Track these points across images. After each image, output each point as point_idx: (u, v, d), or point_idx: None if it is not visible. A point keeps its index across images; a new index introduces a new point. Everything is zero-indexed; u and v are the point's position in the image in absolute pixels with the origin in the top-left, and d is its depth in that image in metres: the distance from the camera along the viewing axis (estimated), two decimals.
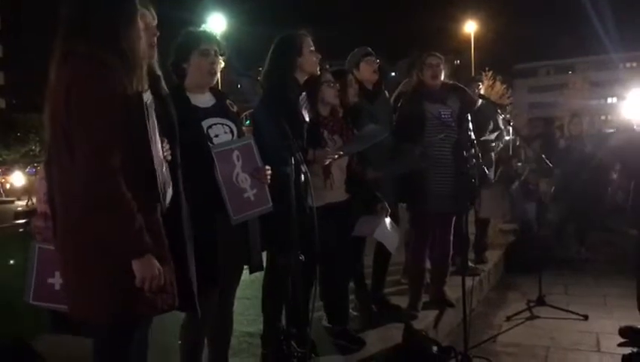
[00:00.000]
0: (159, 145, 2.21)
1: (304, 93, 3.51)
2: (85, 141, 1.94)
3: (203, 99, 2.96)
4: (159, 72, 2.52)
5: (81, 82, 1.96)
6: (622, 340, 4.30)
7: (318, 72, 3.54)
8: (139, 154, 2.06)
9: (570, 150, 7.44)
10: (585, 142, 7.57)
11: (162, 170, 2.21)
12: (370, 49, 4.51)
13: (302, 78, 3.47)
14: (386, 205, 3.98)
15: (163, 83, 2.55)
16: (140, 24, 2.17)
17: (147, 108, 2.09)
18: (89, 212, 1.96)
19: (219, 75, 3.09)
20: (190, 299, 2.50)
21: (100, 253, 2.00)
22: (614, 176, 10.06)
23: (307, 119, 3.49)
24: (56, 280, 2.44)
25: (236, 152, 2.83)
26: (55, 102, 2.00)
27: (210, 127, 2.88)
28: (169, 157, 2.38)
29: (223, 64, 3.03)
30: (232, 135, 2.95)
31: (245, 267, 3.10)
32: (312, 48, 3.48)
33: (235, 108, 3.07)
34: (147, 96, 2.13)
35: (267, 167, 2.92)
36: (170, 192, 2.30)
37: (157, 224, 2.16)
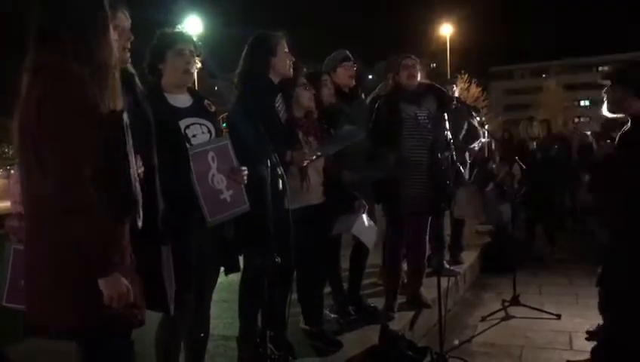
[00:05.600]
0: (133, 162, 2.20)
1: (280, 95, 3.51)
2: (56, 153, 1.92)
3: (181, 99, 2.95)
4: (133, 71, 2.50)
5: (54, 94, 1.93)
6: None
7: (291, 74, 3.53)
8: (113, 169, 2.03)
9: (535, 152, 7.57)
10: (550, 144, 7.71)
11: (136, 186, 2.19)
12: (348, 53, 4.51)
13: (275, 79, 3.47)
14: (363, 202, 4.02)
15: (138, 82, 2.54)
16: (113, 34, 2.15)
17: (126, 127, 2.08)
18: (57, 224, 1.93)
19: (195, 75, 3.08)
20: (162, 299, 2.48)
21: (66, 266, 1.97)
22: (587, 177, 10.23)
23: (282, 121, 3.49)
24: None
25: (211, 153, 2.82)
26: (26, 113, 1.98)
27: (187, 126, 2.87)
28: (142, 175, 2.36)
29: (199, 64, 3.02)
30: (210, 135, 2.94)
31: (222, 268, 3.09)
32: (287, 50, 3.48)
33: (213, 109, 3.06)
34: (125, 116, 2.11)
35: (243, 168, 2.92)
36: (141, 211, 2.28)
37: (126, 239, 2.13)
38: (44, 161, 1.94)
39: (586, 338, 4.33)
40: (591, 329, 4.38)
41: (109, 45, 2.09)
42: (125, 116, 2.10)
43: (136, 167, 2.27)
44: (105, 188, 1.98)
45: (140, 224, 2.19)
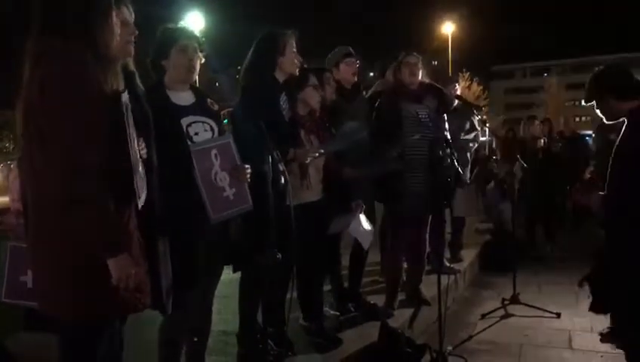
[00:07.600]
0: (135, 144, 2.20)
1: (284, 93, 3.50)
2: (60, 138, 1.92)
3: (183, 97, 2.93)
4: (133, 69, 2.50)
5: (56, 76, 1.94)
6: (592, 337, 4.38)
7: (297, 73, 3.52)
8: (116, 152, 2.04)
9: (537, 151, 7.57)
10: (553, 142, 7.70)
11: (139, 169, 2.20)
12: (351, 49, 4.50)
13: (281, 77, 3.46)
14: (361, 202, 4.02)
15: (138, 80, 2.53)
16: (116, 20, 2.15)
17: (126, 108, 2.08)
18: (63, 210, 1.94)
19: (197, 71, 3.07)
20: (159, 297, 2.49)
21: (75, 250, 1.98)
22: (588, 175, 10.25)
23: (286, 119, 3.49)
24: (29, 278, 2.44)
25: (214, 151, 2.81)
26: (30, 100, 1.98)
27: (189, 125, 2.86)
28: (145, 155, 2.36)
29: (202, 60, 3.01)
30: (213, 133, 2.92)
31: (227, 266, 3.09)
32: (295, 49, 3.47)
33: (216, 107, 3.04)
34: (125, 96, 2.12)
35: (246, 166, 2.91)
36: (145, 192, 2.29)
37: (131, 223, 2.15)
38: (48, 148, 1.94)
39: (601, 340, 4.32)
40: (602, 331, 4.36)
41: (111, 30, 2.10)
42: (124, 97, 2.09)
43: (139, 149, 2.27)
44: (108, 170, 1.98)
45: (140, 204, 2.19)
